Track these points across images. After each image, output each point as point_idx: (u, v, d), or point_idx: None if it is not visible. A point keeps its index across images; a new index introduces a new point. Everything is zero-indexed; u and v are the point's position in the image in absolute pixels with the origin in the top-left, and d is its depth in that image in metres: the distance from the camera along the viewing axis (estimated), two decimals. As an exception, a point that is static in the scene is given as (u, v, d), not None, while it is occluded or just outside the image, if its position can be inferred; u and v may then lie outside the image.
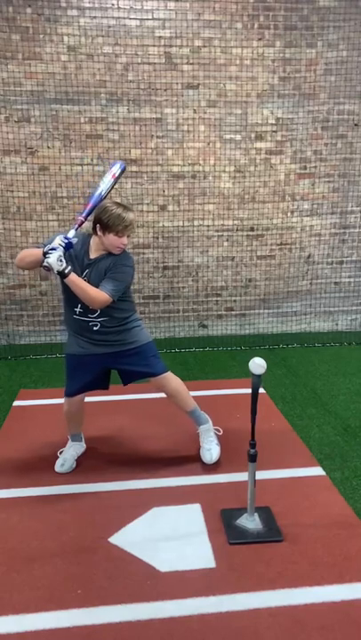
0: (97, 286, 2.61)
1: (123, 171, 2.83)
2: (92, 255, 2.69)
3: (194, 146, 5.03)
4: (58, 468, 2.97)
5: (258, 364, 2.29)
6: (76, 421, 3.05)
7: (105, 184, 2.74)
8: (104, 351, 2.83)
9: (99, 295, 2.59)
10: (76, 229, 2.61)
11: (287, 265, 5.47)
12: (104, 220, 2.59)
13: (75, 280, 2.54)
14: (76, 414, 3.01)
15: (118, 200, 2.76)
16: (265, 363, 2.30)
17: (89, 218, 2.67)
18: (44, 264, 2.46)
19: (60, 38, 4.65)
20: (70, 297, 2.67)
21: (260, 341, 5.28)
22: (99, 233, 2.64)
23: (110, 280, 2.63)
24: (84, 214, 2.64)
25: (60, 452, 3.06)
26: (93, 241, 2.69)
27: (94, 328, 2.76)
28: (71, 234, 2.58)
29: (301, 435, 3.38)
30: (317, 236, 5.43)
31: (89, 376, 2.88)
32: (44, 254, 2.47)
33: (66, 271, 2.50)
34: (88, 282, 2.62)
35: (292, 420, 3.58)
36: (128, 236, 2.66)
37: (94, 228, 2.65)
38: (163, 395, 3.05)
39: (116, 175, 2.79)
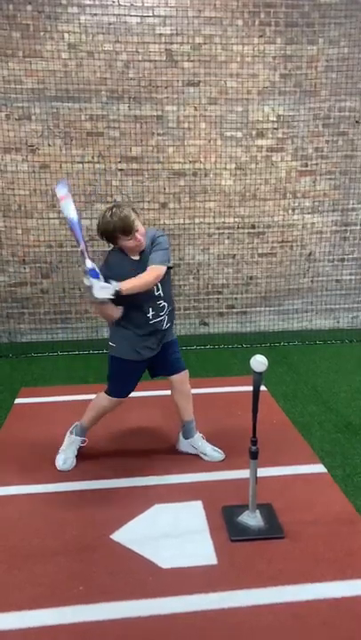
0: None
1: (65, 186, 2.72)
2: (134, 257, 2.70)
3: (195, 143, 5.03)
4: (61, 465, 2.97)
5: (259, 362, 2.29)
6: (102, 418, 3.05)
7: (66, 209, 2.67)
8: (158, 351, 2.87)
9: (151, 273, 2.61)
10: (88, 257, 2.55)
11: (288, 262, 5.47)
12: (110, 234, 2.58)
13: (130, 286, 2.53)
14: (111, 412, 3.03)
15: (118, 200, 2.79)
16: (266, 360, 2.30)
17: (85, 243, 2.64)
18: (99, 302, 2.50)
19: (60, 36, 4.64)
20: (139, 305, 2.69)
21: (261, 339, 5.28)
22: (116, 245, 2.65)
23: (153, 255, 2.65)
24: (81, 243, 2.61)
25: (62, 450, 3.06)
26: (127, 244, 2.65)
27: (163, 323, 2.80)
28: (88, 264, 2.53)
29: (303, 432, 3.38)
30: (319, 234, 5.42)
31: (140, 376, 2.94)
32: (92, 297, 2.49)
33: (118, 289, 2.49)
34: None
35: (293, 417, 3.58)
36: (137, 231, 2.60)
37: (110, 244, 2.66)
38: (164, 392, 3.05)
39: (64, 195, 2.68)
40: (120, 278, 2.56)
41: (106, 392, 2.94)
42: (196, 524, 2.52)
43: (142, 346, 2.80)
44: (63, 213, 2.70)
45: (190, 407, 3.07)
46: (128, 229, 2.57)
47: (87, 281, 2.50)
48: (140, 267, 2.66)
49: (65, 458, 3.00)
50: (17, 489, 2.81)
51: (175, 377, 2.98)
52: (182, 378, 3.00)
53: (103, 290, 2.47)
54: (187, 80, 4.87)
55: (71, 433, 3.05)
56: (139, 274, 2.62)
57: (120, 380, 2.90)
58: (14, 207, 4.98)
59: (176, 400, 3.04)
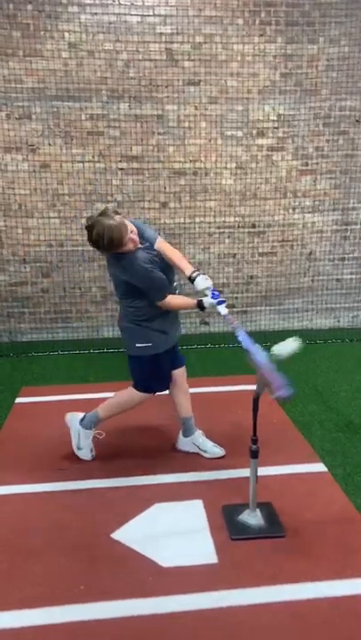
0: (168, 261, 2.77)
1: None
2: (141, 246, 2.71)
3: (195, 143, 5.02)
4: (90, 458, 3.02)
5: (288, 346, 2.26)
6: None
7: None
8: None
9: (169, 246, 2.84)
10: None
11: (289, 262, 5.47)
12: (115, 244, 2.56)
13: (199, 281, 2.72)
14: None
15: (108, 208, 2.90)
16: (295, 344, 2.27)
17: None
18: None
19: (60, 35, 4.64)
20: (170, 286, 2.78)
21: (261, 338, 5.21)
22: (121, 252, 2.62)
23: (151, 232, 2.80)
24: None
25: (83, 446, 3.03)
26: (129, 247, 2.63)
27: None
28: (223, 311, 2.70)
29: (303, 431, 3.38)
30: (319, 233, 5.42)
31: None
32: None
33: (195, 273, 2.71)
34: (163, 260, 2.75)
35: (293, 416, 3.58)
36: (132, 232, 2.62)
37: (116, 252, 2.63)
38: (164, 391, 3.06)
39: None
40: (156, 267, 2.68)
41: (139, 390, 2.94)
42: (197, 523, 2.53)
43: (173, 330, 2.89)
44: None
45: (189, 403, 3.09)
46: (121, 241, 2.56)
47: (210, 299, 2.67)
48: (154, 249, 2.75)
49: (91, 449, 3.03)
50: (18, 488, 2.82)
51: (177, 371, 3.02)
52: (182, 372, 3.06)
53: (205, 280, 2.69)
54: (187, 79, 4.87)
55: (87, 428, 3.00)
56: (157, 255, 2.73)
57: (160, 376, 2.93)
58: (15, 206, 4.98)
59: (175, 396, 3.05)
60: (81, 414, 3.04)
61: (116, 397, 3.01)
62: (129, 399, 2.97)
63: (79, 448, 3.03)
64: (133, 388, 2.95)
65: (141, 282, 2.66)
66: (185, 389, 3.06)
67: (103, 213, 2.59)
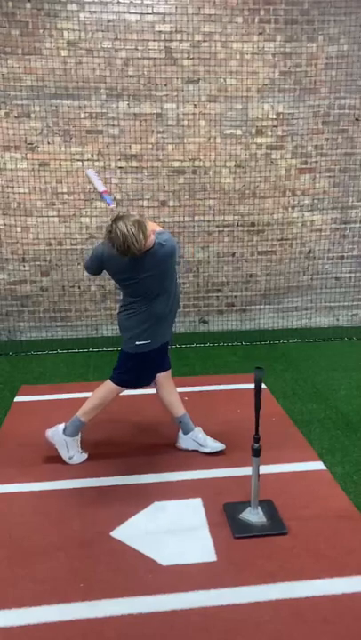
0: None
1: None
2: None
3: (194, 141, 5.02)
4: (84, 458, 3.03)
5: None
6: None
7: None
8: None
9: None
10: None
11: (288, 260, 5.47)
12: (146, 236, 2.56)
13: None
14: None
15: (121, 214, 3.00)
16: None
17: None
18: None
19: (59, 33, 4.63)
20: (171, 291, 2.80)
21: (260, 337, 5.28)
22: (151, 244, 2.62)
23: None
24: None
25: (74, 453, 3.03)
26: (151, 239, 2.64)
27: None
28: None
29: (302, 429, 3.38)
30: (318, 232, 5.42)
31: None
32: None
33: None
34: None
35: (292, 414, 3.59)
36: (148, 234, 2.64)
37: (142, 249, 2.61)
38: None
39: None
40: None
41: (115, 383, 2.95)
42: (196, 521, 2.53)
43: (160, 330, 2.87)
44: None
45: (180, 401, 3.10)
46: (148, 233, 2.57)
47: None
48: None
49: (80, 451, 3.03)
50: (17, 486, 2.82)
51: (163, 374, 3.03)
52: (168, 374, 3.08)
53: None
54: (186, 78, 4.86)
55: (73, 435, 2.99)
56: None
57: (143, 374, 2.95)
58: (14, 205, 4.97)
59: (165, 398, 3.07)
60: (61, 425, 3.01)
61: (94, 398, 2.98)
62: (107, 393, 2.97)
63: (70, 458, 3.01)
64: (110, 380, 2.97)
65: (173, 249, 2.71)
66: (173, 389, 3.07)
67: (119, 217, 2.56)
